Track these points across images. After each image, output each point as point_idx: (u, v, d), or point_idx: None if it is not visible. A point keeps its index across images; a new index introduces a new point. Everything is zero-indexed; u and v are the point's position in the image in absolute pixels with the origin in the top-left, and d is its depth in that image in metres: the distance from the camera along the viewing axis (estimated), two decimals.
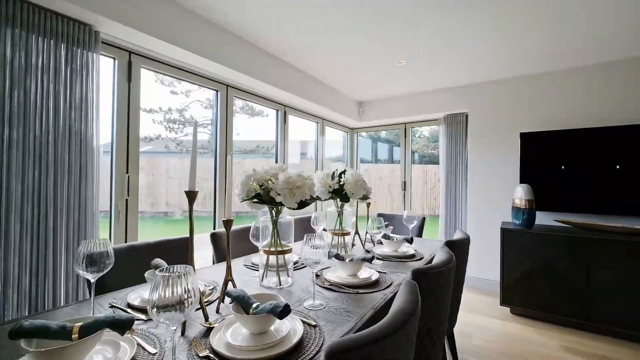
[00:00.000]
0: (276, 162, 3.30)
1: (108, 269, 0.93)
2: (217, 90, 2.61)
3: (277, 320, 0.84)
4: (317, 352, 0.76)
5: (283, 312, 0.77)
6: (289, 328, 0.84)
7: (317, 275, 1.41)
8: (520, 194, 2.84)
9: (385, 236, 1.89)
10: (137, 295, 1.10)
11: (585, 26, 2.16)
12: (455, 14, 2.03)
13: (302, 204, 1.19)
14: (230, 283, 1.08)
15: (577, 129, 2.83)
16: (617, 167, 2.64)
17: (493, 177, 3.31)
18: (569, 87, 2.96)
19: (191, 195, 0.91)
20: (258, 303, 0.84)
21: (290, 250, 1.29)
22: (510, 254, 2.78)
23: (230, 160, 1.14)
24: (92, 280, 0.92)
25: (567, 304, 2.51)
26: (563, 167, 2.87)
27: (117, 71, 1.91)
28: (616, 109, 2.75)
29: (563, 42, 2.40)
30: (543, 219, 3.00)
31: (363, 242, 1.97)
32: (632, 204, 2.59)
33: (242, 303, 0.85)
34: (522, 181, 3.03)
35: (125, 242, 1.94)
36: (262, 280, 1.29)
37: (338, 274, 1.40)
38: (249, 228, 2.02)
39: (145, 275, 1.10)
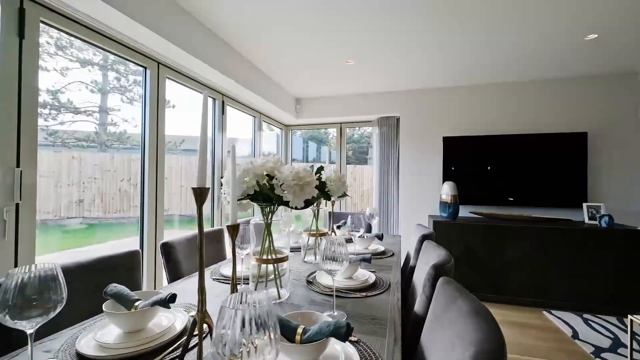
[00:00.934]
0: (213, 159, 2.91)
1: (58, 310, 0.60)
2: (145, 67, 2.12)
3: (332, 345, 0.69)
4: None
5: (347, 333, 0.63)
6: (342, 351, 0.70)
7: (309, 282, 1.26)
8: (446, 190, 3.23)
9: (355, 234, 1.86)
10: (91, 338, 0.76)
11: (491, 51, 2.58)
12: (401, 26, 2.15)
13: (307, 203, 1.03)
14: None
15: (489, 135, 3.39)
16: (519, 167, 3.29)
17: (422, 175, 3.69)
18: (483, 100, 3.52)
19: (201, 195, 0.66)
20: (303, 326, 0.67)
21: (287, 258, 1.11)
22: (440, 242, 3.13)
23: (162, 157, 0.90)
24: (29, 332, 0.57)
25: (484, 282, 2.97)
26: (477, 167, 3.40)
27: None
28: (519, 121, 3.41)
29: (476, 62, 2.83)
30: (462, 211, 3.49)
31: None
32: (531, 197, 3.25)
33: (286, 331, 0.66)
34: (444, 179, 3.46)
35: (16, 263, 1.38)
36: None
37: (331, 277, 1.28)
38: (210, 234, 1.71)
39: (105, 309, 0.77)
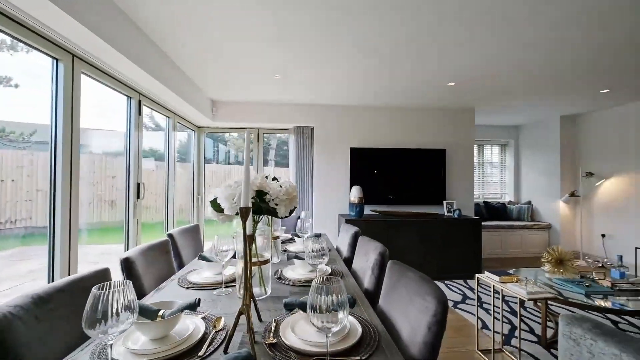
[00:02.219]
0: (127, 162, 2.65)
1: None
2: (56, 59, 1.84)
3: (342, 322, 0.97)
4: (378, 340, 0.98)
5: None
6: (348, 325, 0.99)
7: (279, 278, 1.49)
8: (354, 193, 3.86)
9: (297, 234, 2.15)
10: (122, 345, 0.81)
11: (387, 83, 3.33)
12: (320, 52, 2.58)
13: (291, 212, 1.27)
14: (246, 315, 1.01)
15: (384, 147, 4.20)
16: (402, 173, 4.20)
17: (333, 180, 4.24)
18: (380, 119, 4.31)
19: (246, 213, 0.84)
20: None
21: (269, 260, 1.31)
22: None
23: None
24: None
25: None
26: (373, 173, 4.17)
27: None
28: (402, 138, 4.33)
29: (375, 89, 3.55)
30: (366, 210, 4.20)
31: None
32: (413, 197, 4.19)
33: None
34: (352, 184, 4.10)
35: None
36: (239, 292, 1.24)
37: (298, 272, 1.54)
38: (159, 245, 1.68)
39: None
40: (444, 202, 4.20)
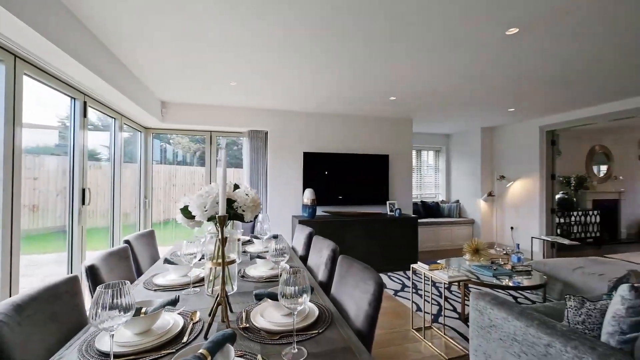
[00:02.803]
0: (71, 166, 2.52)
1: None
2: None
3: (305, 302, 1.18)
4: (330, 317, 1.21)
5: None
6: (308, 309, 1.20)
7: (242, 276, 1.64)
8: (307, 195, 4.10)
9: (256, 236, 2.30)
10: (107, 341, 0.92)
11: (338, 94, 3.66)
12: (274, 62, 2.79)
13: (255, 217, 1.45)
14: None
15: (334, 152, 4.52)
16: (351, 176, 4.56)
17: (286, 182, 4.43)
18: (331, 125, 4.61)
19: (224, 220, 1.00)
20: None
21: (235, 260, 1.47)
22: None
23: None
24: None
25: None
26: (324, 176, 4.46)
27: None
28: (352, 143, 4.69)
29: (326, 98, 3.85)
30: (318, 210, 4.47)
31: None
32: (360, 198, 4.57)
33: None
34: (305, 186, 4.34)
35: None
36: (208, 289, 1.38)
37: (260, 270, 1.71)
38: (119, 251, 1.71)
39: None
40: (387, 202, 4.67)
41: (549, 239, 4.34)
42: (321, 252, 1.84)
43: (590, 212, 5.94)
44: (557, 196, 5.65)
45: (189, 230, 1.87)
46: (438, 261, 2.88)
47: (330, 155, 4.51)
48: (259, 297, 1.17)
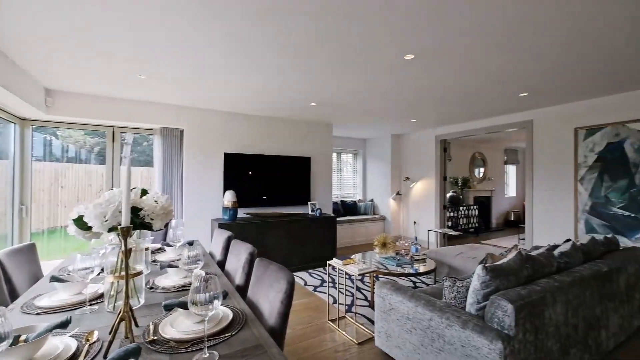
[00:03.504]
0: None
1: None
2: None
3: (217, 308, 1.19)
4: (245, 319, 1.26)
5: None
6: (221, 313, 1.22)
7: (151, 288, 1.55)
8: (228, 197, 3.99)
9: (168, 244, 2.17)
10: None
11: (261, 94, 3.69)
12: (191, 55, 2.70)
13: (166, 225, 1.38)
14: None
15: (257, 154, 4.49)
16: (274, 178, 4.60)
17: (205, 184, 4.22)
18: (253, 126, 4.56)
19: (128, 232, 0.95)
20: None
21: (142, 272, 1.38)
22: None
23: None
24: None
25: None
26: (247, 177, 4.41)
27: None
28: (275, 145, 4.72)
29: (248, 98, 3.84)
30: (240, 212, 4.38)
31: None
32: (283, 199, 4.64)
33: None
34: (225, 188, 4.21)
35: None
36: (108, 306, 1.27)
37: (172, 279, 1.63)
38: None
39: None
40: (309, 202, 4.87)
41: (440, 231, 5.16)
42: (239, 256, 1.86)
43: (472, 207, 7.27)
44: (448, 194, 6.74)
45: (83, 241, 1.66)
46: (353, 256, 3.16)
47: (253, 157, 4.47)
48: (169, 308, 1.14)
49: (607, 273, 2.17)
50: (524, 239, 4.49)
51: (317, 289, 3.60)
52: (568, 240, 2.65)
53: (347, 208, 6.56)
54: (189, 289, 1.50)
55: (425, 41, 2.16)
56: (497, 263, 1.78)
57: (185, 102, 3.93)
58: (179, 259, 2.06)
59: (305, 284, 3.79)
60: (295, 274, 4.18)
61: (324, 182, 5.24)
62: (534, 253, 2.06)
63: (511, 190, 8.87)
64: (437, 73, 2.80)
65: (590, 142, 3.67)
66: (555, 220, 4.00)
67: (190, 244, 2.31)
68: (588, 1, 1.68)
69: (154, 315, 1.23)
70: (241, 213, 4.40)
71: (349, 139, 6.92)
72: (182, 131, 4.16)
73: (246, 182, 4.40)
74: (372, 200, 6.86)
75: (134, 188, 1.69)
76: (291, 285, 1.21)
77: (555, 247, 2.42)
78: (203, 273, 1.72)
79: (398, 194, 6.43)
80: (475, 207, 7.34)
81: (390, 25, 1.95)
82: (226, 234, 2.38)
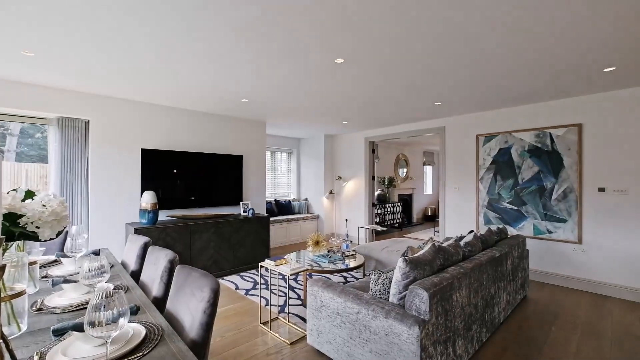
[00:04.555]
0: None
1: None
2: None
3: (122, 327, 1.04)
4: (161, 335, 1.13)
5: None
6: (131, 331, 1.07)
7: (39, 310, 1.27)
8: (146, 199, 3.58)
9: (66, 255, 1.84)
10: None
11: (190, 87, 3.42)
12: (105, 33, 2.37)
13: (58, 233, 1.15)
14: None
15: (183, 151, 4.12)
16: (202, 177, 4.29)
17: (118, 184, 3.70)
18: (179, 121, 4.16)
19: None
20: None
21: (23, 292, 1.12)
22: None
23: None
24: None
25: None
26: (171, 177, 4.02)
27: None
28: (203, 142, 4.39)
29: (175, 90, 3.51)
30: (161, 215, 3.96)
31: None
32: (213, 199, 4.35)
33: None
34: (143, 188, 3.77)
35: None
36: None
37: (68, 297, 1.37)
38: None
39: None
40: (241, 202, 4.68)
41: (369, 227, 5.50)
42: (157, 264, 1.67)
43: (396, 204, 7.93)
44: (376, 192, 7.23)
45: None
46: (287, 255, 3.13)
47: (179, 154, 4.09)
48: (59, 332, 0.95)
49: (499, 258, 2.58)
50: (438, 231, 5.08)
51: (249, 293, 3.48)
52: (471, 231, 3.08)
53: (282, 207, 6.51)
54: None
55: (353, 47, 2.26)
56: (415, 255, 1.96)
57: (92, 89, 3.39)
58: (79, 272, 1.76)
59: (237, 287, 3.63)
60: (226, 278, 3.97)
61: (257, 181, 5.11)
62: (445, 244, 2.33)
63: (428, 189, 9.95)
64: (365, 78, 2.96)
65: (487, 147, 4.33)
66: (462, 214, 4.62)
67: (96, 253, 1.98)
68: (479, 37, 1.97)
69: (40, 344, 1.02)
70: (163, 216, 3.99)
71: (284, 138, 6.88)
72: (87, 122, 3.57)
73: (170, 182, 4.01)
74: (306, 199, 6.94)
75: (15, 189, 1.39)
76: (215, 293, 1.13)
77: (462, 237, 2.78)
78: (110, 287, 1.50)
79: (331, 192, 6.64)
80: (399, 204, 8.02)
81: (321, 26, 1.98)
82: (142, 240, 2.11)
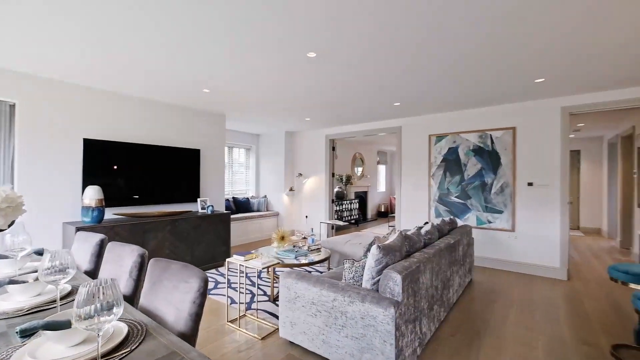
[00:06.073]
0: None
1: None
2: None
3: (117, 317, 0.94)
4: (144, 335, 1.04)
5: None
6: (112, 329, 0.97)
7: None
8: (90, 194, 3.21)
9: (4, 255, 1.58)
10: None
11: (130, 68, 3.15)
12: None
13: (11, 224, 1.00)
14: None
15: (134, 142, 3.76)
16: (160, 172, 3.97)
17: (55, 178, 3.25)
18: (128, 109, 3.79)
19: None
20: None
21: None
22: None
23: None
24: None
25: None
26: (120, 171, 3.66)
27: None
28: (158, 134, 4.05)
29: (120, 73, 3.21)
30: (107, 213, 3.58)
31: None
32: (168, 196, 4.04)
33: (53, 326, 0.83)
34: (85, 183, 3.37)
35: None
36: None
37: (16, 299, 1.19)
38: None
39: None
40: (198, 199, 4.44)
41: (330, 222, 5.62)
42: (122, 261, 1.52)
43: (353, 201, 8.20)
44: (335, 189, 7.40)
45: None
46: (252, 251, 3.07)
47: (129, 146, 3.73)
48: (27, 333, 0.83)
49: (453, 244, 2.85)
50: (392, 226, 5.39)
51: (211, 292, 3.33)
52: (427, 222, 3.34)
53: (240, 205, 6.31)
54: (47, 309, 1.15)
55: (327, 42, 2.31)
56: (386, 243, 2.08)
57: (18, 66, 2.92)
58: (26, 273, 1.52)
59: None
60: None
61: (216, 177, 4.89)
62: (409, 232, 2.50)
63: (382, 187, 10.48)
64: (335, 75, 3.03)
65: (438, 147, 4.72)
66: (416, 208, 4.97)
67: (39, 253, 1.74)
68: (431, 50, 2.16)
69: None
70: (110, 214, 3.61)
71: (242, 134, 6.68)
72: (13, 105, 3.08)
73: (118, 177, 3.64)
74: (265, 196, 6.83)
75: None
76: (205, 282, 1.08)
77: (421, 228, 3.00)
78: (68, 287, 1.34)
79: (291, 189, 6.63)
80: (356, 200, 8.31)
81: (295, 19, 1.98)
82: (97, 237, 1.90)
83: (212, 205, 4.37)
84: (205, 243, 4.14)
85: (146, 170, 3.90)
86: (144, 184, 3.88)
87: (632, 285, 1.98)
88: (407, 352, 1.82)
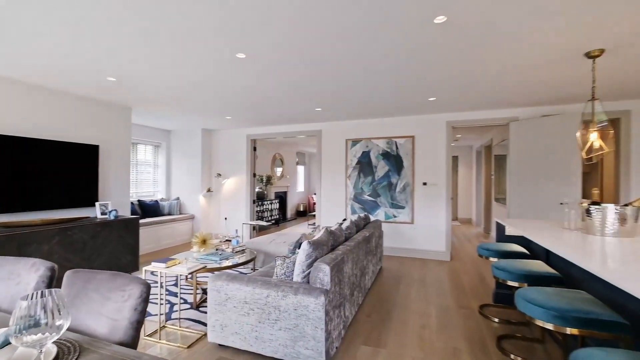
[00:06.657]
0: None
1: None
2: None
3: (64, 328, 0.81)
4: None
5: None
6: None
7: None
8: None
9: None
10: None
11: (7, 40, 2.61)
12: None
13: None
14: None
15: (11, 135, 3.01)
16: (45, 171, 3.26)
17: None
18: (4, 94, 3.00)
19: None
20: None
21: None
22: None
23: None
24: None
25: None
26: None
27: None
28: (44, 125, 3.31)
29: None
30: None
31: None
32: (57, 200, 3.35)
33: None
34: None
35: None
36: None
37: None
38: None
39: None
40: (97, 203, 3.84)
41: (253, 223, 5.58)
42: (17, 278, 1.28)
43: (274, 201, 8.27)
44: (256, 190, 7.34)
45: None
46: (174, 256, 2.86)
47: (5, 139, 2.98)
48: None
49: (368, 237, 3.24)
50: (312, 224, 5.70)
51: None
52: (345, 219, 3.70)
53: (147, 208, 5.67)
54: None
55: (256, 43, 2.36)
56: (315, 238, 2.26)
57: None
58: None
59: None
60: None
61: (121, 177, 4.30)
62: (332, 228, 2.75)
63: (300, 187, 10.83)
64: (262, 76, 3.07)
65: (354, 150, 5.22)
66: (335, 207, 5.38)
67: None
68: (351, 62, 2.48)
69: None
70: None
71: (150, 129, 6.00)
72: None
73: None
74: (177, 198, 6.30)
75: None
76: (147, 286, 1.03)
77: (341, 224, 3.32)
78: None
79: (209, 190, 6.29)
80: (276, 201, 8.40)
81: (224, 18, 1.99)
82: None
83: (115, 210, 3.84)
84: (107, 254, 3.61)
85: (30, 169, 3.18)
86: (23, 185, 3.16)
87: (492, 259, 2.65)
88: (334, 335, 2.04)
